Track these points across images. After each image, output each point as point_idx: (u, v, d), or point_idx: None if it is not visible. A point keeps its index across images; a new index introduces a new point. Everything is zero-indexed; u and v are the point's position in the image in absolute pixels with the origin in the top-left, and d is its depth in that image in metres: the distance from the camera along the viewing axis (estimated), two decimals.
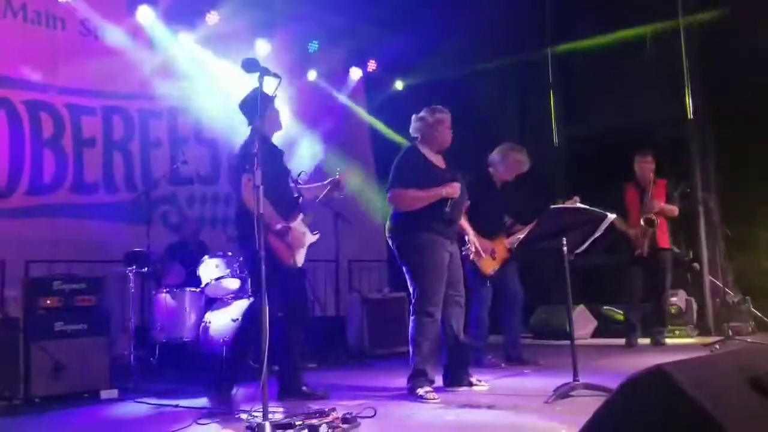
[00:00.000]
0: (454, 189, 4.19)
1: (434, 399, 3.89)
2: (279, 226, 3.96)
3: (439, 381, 4.24)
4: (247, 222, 3.57)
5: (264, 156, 3.28)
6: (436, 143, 4.37)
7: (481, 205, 5.03)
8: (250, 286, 5.31)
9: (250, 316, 4.36)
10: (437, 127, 4.34)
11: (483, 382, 4.32)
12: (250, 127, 4.13)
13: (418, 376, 4.08)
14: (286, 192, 4.22)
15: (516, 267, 5.45)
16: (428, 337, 4.13)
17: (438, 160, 4.40)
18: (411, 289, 4.22)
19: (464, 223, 4.77)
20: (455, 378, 4.30)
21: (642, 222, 6.24)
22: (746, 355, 1.80)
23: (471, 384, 4.29)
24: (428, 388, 4.00)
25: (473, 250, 4.85)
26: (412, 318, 4.18)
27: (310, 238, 4.26)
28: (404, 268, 4.26)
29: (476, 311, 5.20)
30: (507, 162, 5.39)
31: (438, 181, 4.22)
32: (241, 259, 5.28)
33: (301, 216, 4.19)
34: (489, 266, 5.18)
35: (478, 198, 4.93)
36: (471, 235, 4.87)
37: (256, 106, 3.53)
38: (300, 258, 4.18)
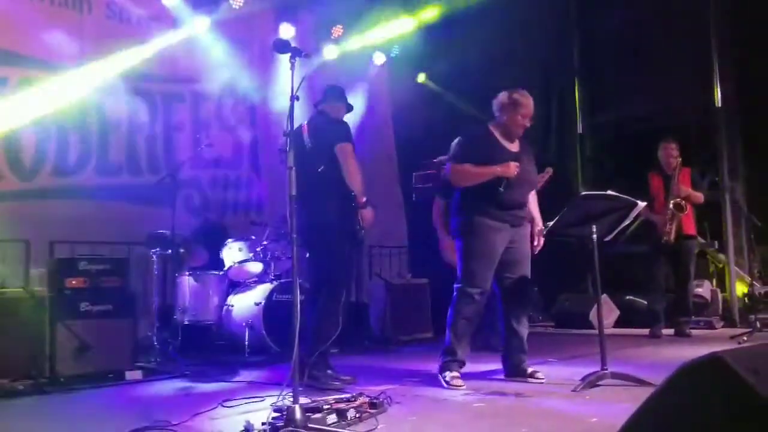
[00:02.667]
0: (509, 169, 3.95)
1: (460, 386, 3.84)
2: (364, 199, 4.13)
3: (470, 366, 4.20)
4: None
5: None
6: (504, 125, 4.16)
7: None
8: None
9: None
10: (507, 109, 4.13)
11: (540, 374, 4.07)
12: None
13: (449, 355, 4.04)
14: None
15: None
16: (464, 315, 4.05)
17: (509, 143, 4.18)
18: (458, 269, 4.14)
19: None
20: (513, 368, 4.16)
21: (671, 206, 6.13)
22: None
23: (526, 374, 4.09)
24: (455, 374, 3.96)
25: None
26: (454, 295, 4.12)
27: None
28: (456, 247, 4.20)
29: None
30: None
31: (499, 162, 4.00)
32: None
33: None
34: None
35: None
36: None
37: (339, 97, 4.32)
38: None
